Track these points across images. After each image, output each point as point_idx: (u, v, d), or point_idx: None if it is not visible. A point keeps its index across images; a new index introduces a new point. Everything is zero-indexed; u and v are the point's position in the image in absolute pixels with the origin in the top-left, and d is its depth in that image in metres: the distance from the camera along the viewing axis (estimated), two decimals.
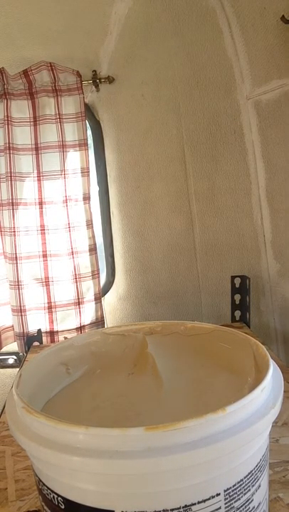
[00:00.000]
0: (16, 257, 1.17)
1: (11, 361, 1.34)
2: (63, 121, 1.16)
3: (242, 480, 0.35)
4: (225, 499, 0.34)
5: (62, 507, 0.35)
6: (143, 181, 1.27)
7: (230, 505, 0.34)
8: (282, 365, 0.89)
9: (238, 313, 1.21)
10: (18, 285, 1.18)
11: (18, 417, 0.36)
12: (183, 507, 0.32)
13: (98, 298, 1.26)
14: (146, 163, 1.26)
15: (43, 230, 1.19)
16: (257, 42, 1.05)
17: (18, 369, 1.29)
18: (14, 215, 1.16)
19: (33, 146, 1.16)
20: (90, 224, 1.23)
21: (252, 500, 0.36)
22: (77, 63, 1.17)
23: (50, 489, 0.36)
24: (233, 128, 1.17)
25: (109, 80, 1.20)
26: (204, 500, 0.33)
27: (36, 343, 1.17)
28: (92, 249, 1.24)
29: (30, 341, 1.17)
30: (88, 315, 1.25)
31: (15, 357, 1.33)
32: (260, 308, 1.24)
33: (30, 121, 1.16)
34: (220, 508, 0.33)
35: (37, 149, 1.16)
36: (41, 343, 1.18)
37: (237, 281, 1.20)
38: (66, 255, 1.21)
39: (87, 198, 1.22)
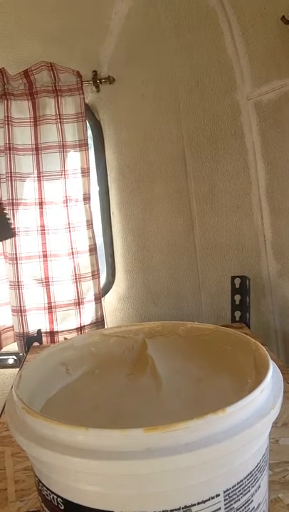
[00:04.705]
0: (16, 257, 1.17)
1: (11, 361, 1.34)
2: (63, 121, 1.16)
3: (242, 481, 0.35)
4: (225, 500, 0.34)
5: (62, 508, 0.35)
6: (143, 181, 1.27)
7: (230, 505, 0.34)
8: (282, 366, 0.88)
9: (238, 314, 1.21)
10: (18, 285, 1.18)
11: (18, 417, 0.36)
12: (182, 508, 0.32)
13: (98, 298, 1.26)
14: (146, 163, 1.26)
15: (43, 230, 1.19)
16: (257, 42, 1.05)
17: (18, 369, 1.29)
18: (14, 215, 1.16)
19: (33, 147, 1.16)
20: (90, 224, 1.23)
21: (252, 501, 0.36)
22: (77, 63, 1.17)
23: (49, 490, 0.36)
24: (233, 128, 1.17)
25: (110, 80, 1.20)
26: (204, 501, 0.33)
27: (36, 344, 1.17)
28: (92, 250, 1.24)
29: (30, 341, 1.17)
30: (88, 315, 1.25)
31: (15, 357, 1.33)
32: (260, 308, 1.24)
33: (30, 122, 1.16)
34: (220, 508, 0.33)
35: (37, 149, 1.16)
36: (41, 343, 1.18)
37: (237, 282, 1.20)
38: (66, 255, 1.21)
39: (87, 198, 1.22)
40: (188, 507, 0.32)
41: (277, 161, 1.10)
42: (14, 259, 1.17)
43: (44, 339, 1.21)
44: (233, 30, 1.08)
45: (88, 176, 1.21)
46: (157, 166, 1.26)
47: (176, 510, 0.32)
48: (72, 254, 1.21)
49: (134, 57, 1.19)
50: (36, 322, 1.21)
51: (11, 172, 1.13)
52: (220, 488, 0.33)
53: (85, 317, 1.25)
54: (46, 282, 1.21)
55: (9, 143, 1.13)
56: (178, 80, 1.19)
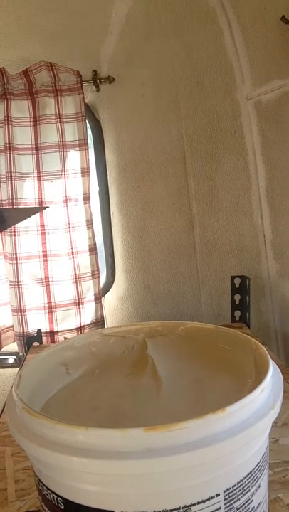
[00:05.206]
0: (16, 257, 1.17)
1: (11, 361, 1.34)
2: (63, 121, 1.16)
3: (242, 480, 0.35)
4: (225, 499, 0.34)
5: (62, 507, 0.35)
6: (143, 181, 1.27)
7: (230, 505, 0.34)
8: (282, 366, 0.89)
9: (237, 314, 1.21)
10: (18, 285, 1.18)
11: (18, 417, 0.36)
12: (182, 507, 0.32)
13: (98, 298, 1.26)
14: (146, 163, 1.26)
15: (43, 230, 1.19)
16: (257, 42, 1.05)
17: (18, 369, 1.29)
18: None
19: (33, 146, 1.16)
20: (90, 224, 1.23)
21: (252, 500, 0.36)
22: (77, 63, 1.17)
23: (49, 489, 0.36)
24: (233, 128, 1.17)
25: (110, 79, 1.20)
26: (204, 501, 0.33)
27: (36, 344, 1.17)
28: (92, 249, 1.24)
29: (30, 341, 1.17)
30: (88, 315, 1.25)
31: (15, 357, 1.33)
32: (260, 308, 1.24)
33: (30, 121, 1.16)
34: (220, 508, 0.33)
35: (37, 149, 1.16)
36: (41, 343, 1.18)
37: (237, 282, 1.20)
38: (66, 255, 1.21)
39: (87, 198, 1.22)
40: (188, 507, 0.32)
41: (277, 161, 1.10)
42: (14, 259, 1.17)
43: (44, 339, 1.21)
44: (233, 30, 1.08)
45: (88, 175, 1.21)
46: (157, 166, 1.26)
47: (176, 509, 0.32)
48: (72, 254, 1.21)
49: (134, 57, 1.19)
50: (36, 322, 1.21)
51: (10, 172, 1.13)
52: (220, 488, 0.33)
53: (85, 317, 1.25)
54: (46, 282, 1.21)
55: (9, 143, 1.13)
56: (178, 80, 1.19)
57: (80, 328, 1.24)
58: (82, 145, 1.19)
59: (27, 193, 1.17)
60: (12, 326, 1.24)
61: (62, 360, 0.50)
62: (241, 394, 0.34)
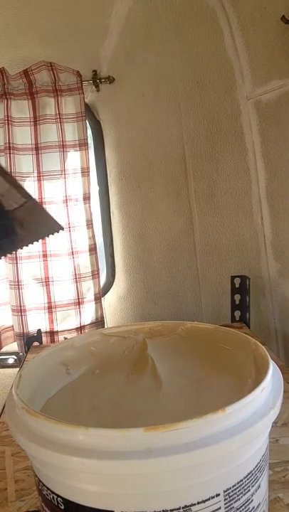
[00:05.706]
0: (16, 257, 1.17)
1: (11, 361, 1.34)
2: (63, 121, 1.16)
3: (242, 480, 0.35)
4: (225, 499, 0.34)
5: (62, 507, 0.35)
6: (143, 181, 1.27)
7: (230, 505, 0.34)
8: (282, 366, 0.89)
9: (237, 314, 1.21)
10: (18, 285, 1.18)
11: (18, 417, 0.36)
12: (182, 507, 0.32)
13: (98, 298, 1.26)
14: (146, 163, 1.26)
15: None
16: (257, 42, 1.05)
17: (18, 369, 1.29)
18: None
19: (33, 146, 1.16)
20: (90, 224, 1.23)
21: (252, 500, 0.36)
22: (77, 63, 1.17)
23: (49, 489, 0.36)
24: (233, 128, 1.17)
25: (110, 79, 1.20)
26: (204, 501, 0.33)
27: (36, 344, 1.17)
28: (92, 249, 1.24)
29: (30, 341, 1.17)
30: (88, 315, 1.25)
31: (15, 357, 1.33)
32: (260, 308, 1.24)
33: (30, 121, 1.16)
34: (220, 508, 0.33)
35: (37, 149, 1.16)
36: (41, 343, 1.18)
37: (237, 281, 1.20)
38: (66, 255, 1.21)
39: (87, 198, 1.22)
40: (188, 506, 0.32)
41: (277, 161, 1.10)
42: (14, 259, 1.17)
43: (44, 339, 1.21)
44: (233, 30, 1.08)
45: (88, 175, 1.21)
46: (157, 166, 1.26)
47: (176, 509, 0.32)
48: (72, 253, 1.21)
49: (134, 57, 1.19)
50: (36, 322, 1.21)
51: (10, 172, 1.13)
52: (220, 488, 0.33)
53: (85, 317, 1.25)
54: (46, 282, 1.21)
55: (9, 142, 1.13)
56: (178, 80, 1.19)
57: (80, 328, 1.24)
58: (82, 145, 1.19)
59: None
60: (12, 326, 1.24)
61: (62, 360, 0.50)
62: (241, 394, 0.34)
